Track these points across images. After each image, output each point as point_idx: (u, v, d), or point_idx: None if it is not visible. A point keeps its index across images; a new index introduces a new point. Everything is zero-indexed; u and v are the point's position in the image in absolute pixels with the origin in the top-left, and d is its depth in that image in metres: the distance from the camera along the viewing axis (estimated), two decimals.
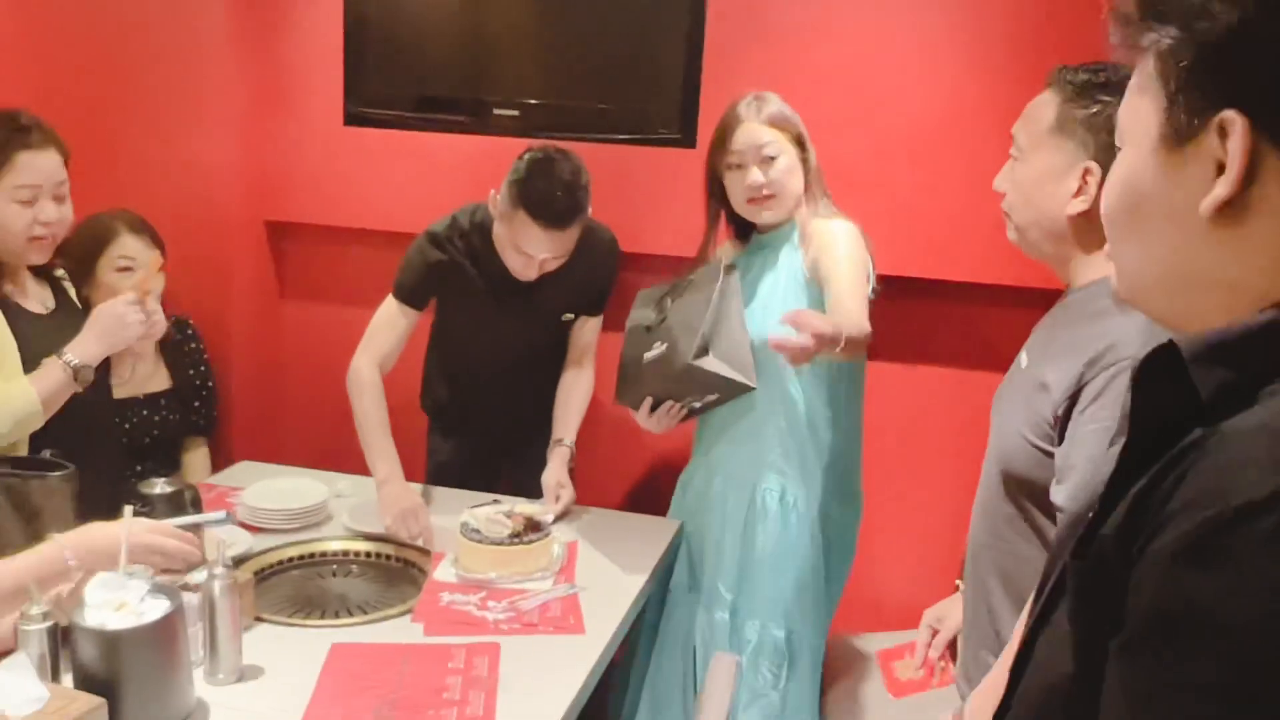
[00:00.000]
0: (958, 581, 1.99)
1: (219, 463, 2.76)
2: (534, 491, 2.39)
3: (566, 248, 2.25)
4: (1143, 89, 0.76)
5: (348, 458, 2.56)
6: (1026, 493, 1.46)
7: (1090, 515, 0.72)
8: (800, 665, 2.24)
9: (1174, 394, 0.68)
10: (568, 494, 2.35)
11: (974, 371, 2.75)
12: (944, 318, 2.80)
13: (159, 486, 1.86)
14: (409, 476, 2.34)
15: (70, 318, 2.04)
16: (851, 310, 2.01)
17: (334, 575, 2.13)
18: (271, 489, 2.32)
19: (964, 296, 2.73)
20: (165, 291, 2.49)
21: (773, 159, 2.18)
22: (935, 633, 1.97)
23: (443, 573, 2.06)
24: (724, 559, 2.28)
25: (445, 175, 2.85)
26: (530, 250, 2.22)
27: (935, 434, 2.84)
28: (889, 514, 2.83)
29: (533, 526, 2.11)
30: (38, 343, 1.94)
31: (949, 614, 1.95)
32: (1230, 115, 0.68)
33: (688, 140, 2.71)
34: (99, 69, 2.84)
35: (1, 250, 1.98)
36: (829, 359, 2.05)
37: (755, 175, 2.19)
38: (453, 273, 2.38)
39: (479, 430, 2.62)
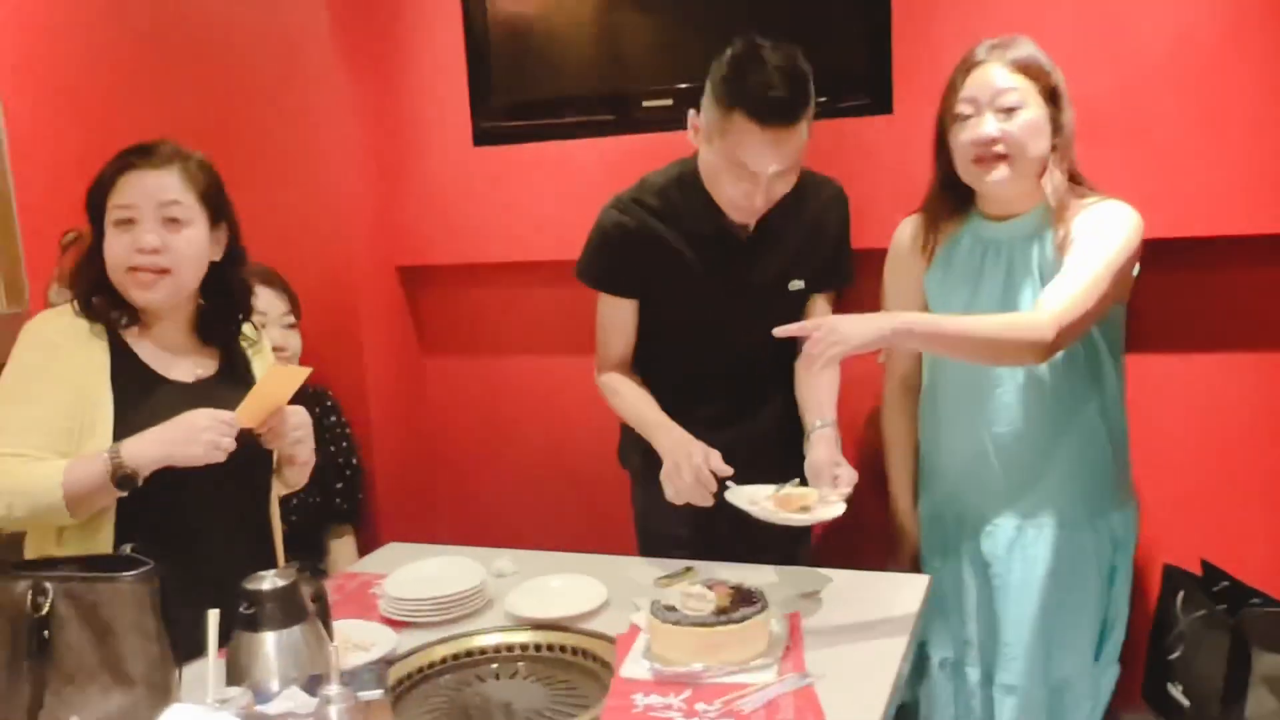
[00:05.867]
0: None
1: (365, 546, 2.45)
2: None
3: (794, 157, 1.89)
4: None
5: (508, 531, 2.29)
6: None
7: None
8: None
9: None
10: (846, 473, 1.80)
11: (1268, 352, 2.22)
12: (1224, 287, 2.25)
13: (267, 581, 1.44)
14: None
15: (227, 390, 1.69)
16: (1060, 293, 1.74)
17: (495, 678, 1.68)
18: (417, 575, 1.90)
19: (1250, 256, 2.18)
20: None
21: (1012, 110, 1.82)
22: None
23: (632, 667, 1.59)
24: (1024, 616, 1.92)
25: (591, 188, 2.44)
26: (752, 162, 1.85)
27: (1222, 429, 2.28)
28: (1176, 526, 2.30)
29: (744, 599, 1.62)
30: (168, 415, 1.59)
31: None
32: None
33: (881, 105, 2.28)
34: (206, 111, 2.65)
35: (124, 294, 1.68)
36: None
37: (988, 126, 1.82)
38: (646, 241, 2.04)
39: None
